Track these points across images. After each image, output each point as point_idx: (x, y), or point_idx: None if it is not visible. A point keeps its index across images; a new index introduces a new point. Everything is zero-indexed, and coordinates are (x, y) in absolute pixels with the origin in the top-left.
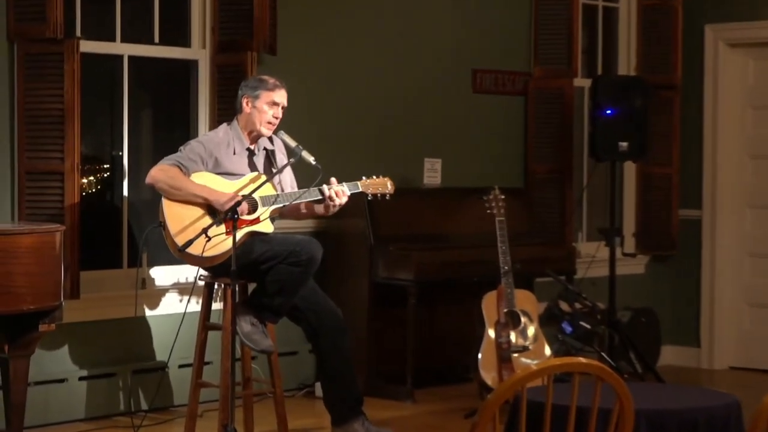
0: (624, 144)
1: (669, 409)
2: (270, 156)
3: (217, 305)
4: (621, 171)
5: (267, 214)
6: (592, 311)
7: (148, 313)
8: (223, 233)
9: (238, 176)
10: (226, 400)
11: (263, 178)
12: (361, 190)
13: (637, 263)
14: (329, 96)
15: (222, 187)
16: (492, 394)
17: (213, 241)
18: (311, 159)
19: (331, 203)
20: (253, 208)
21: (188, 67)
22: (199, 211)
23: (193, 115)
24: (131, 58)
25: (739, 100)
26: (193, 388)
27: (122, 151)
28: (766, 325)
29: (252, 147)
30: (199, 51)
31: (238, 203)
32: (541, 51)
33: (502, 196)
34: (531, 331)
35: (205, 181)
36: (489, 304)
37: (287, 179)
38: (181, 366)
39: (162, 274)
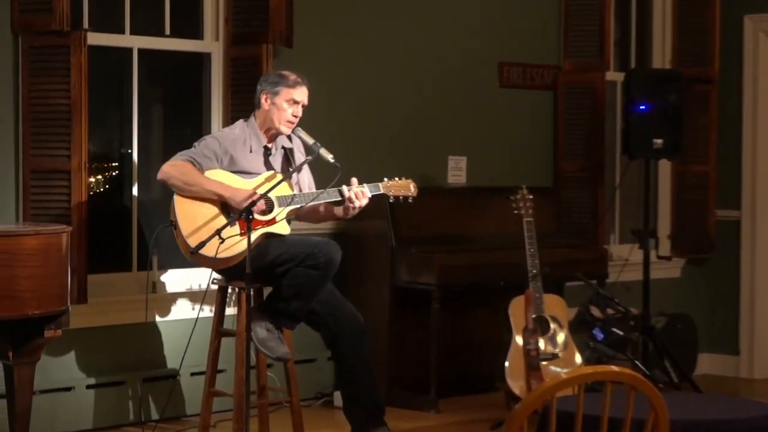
0: (658, 141)
1: (706, 420)
2: (288, 155)
3: (231, 310)
4: (655, 169)
5: (283, 214)
6: (625, 317)
7: (158, 318)
8: (237, 234)
9: (253, 175)
10: (240, 409)
11: (279, 177)
12: (382, 191)
13: (673, 266)
14: (348, 91)
15: (237, 185)
16: (520, 404)
17: (227, 242)
18: (330, 157)
19: (351, 205)
20: (269, 208)
21: (200, 60)
22: (212, 210)
23: (205, 111)
24: (141, 51)
25: None
26: (205, 398)
27: (131, 149)
28: None
29: (269, 145)
30: (211, 43)
31: (256, 201)
32: (571, 43)
33: (530, 196)
34: (561, 337)
35: (220, 179)
36: (516, 310)
37: (305, 179)
38: (193, 374)
39: (173, 278)
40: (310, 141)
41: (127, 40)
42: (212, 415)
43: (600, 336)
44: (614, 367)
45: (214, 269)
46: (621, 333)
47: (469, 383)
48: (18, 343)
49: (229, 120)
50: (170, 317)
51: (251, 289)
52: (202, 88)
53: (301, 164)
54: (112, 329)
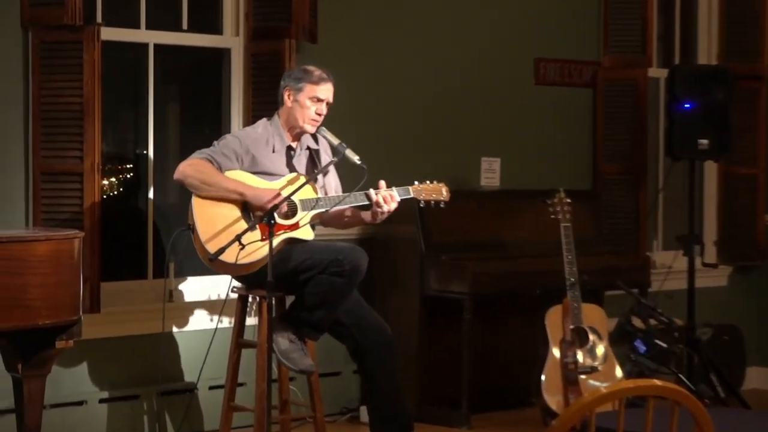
0: (704, 141)
1: None
2: (314, 156)
3: (251, 320)
4: (701, 171)
5: (307, 219)
6: (669, 328)
7: (175, 328)
8: (258, 239)
9: (276, 177)
10: (261, 425)
11: (303, 179)
12: (412, 195)
13: (719, 275)
14: (376, 88)
15: (260, 186)
16: (557, 420)
17: (248, 248)
18: (356, 158)
19: (379, 210)
20: (291, 212)
21: (220, 56)
22: (232, 212)
23: (225, 110)
24: (157, 47)
25: None
26: (225, 412)
27: (147, 150)
28: None
29: (293, 145)
30: (231, 38)
31: (280, 203)
32: (612, 37)
33: (568, 200)
34: (600, 350)
35: (241, 180)
36: (553, 320)
37: (331, 182)
38: (211, 387)
39: (191, 286)
40: (336, 141)
41: (142, 35)
42: (232, 431)
43: (642, 348)
44: (657, 381)
45: (233, 276)
46: (664, 345)
47: (503, 398)
48: (28, 355)
49: (249, 119)
50: (188, 327)
51: (273, 298)
52: (222, 86)
53: (326, 166)
54: (126, 340)
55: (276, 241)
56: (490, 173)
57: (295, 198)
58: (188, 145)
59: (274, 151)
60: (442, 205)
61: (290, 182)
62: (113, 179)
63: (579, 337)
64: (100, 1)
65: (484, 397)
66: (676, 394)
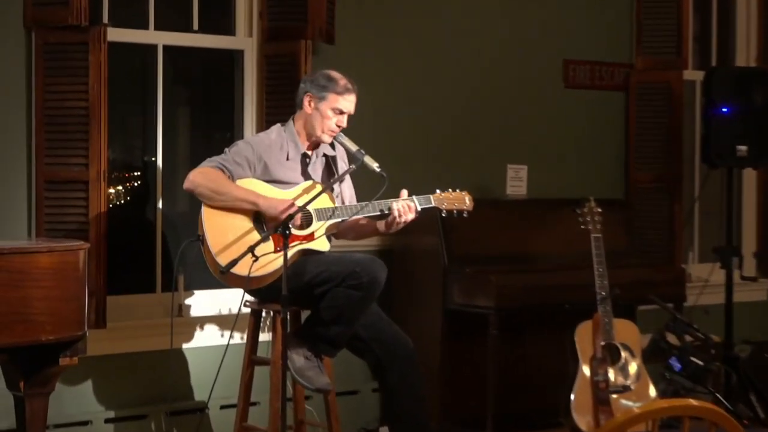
0: (742, 148)
1: None
2: (330, 163)
3: (264, 336)
4: (739, 179)
5: (323, 230)
6: (705, 345)
7: (185, 345)
8: (271, 251)
9: (290, 185)
10: None
11: (319, 187)
12: (434, 204)
13: (759, 288)
14: (396, 92)
15: (273, 195)
16: None
17: (261, 260)
18: (375, 165)
19: (397, 220)
20: (306, 222)
21: (232, 58)
22: (244, 223)
23: (237, 114)
24: (166, 49)
25: None
26: None
27: (156, 157)
28: None
29: (309, 152)
30: (244, 39)
31: (295, 213)
32: (645, 38)
33: (599, 209)
34: (633, 367)
35: (253, 188)
36: (583, 336)
37: (346, 191)
38: (223, 407)
39: (201, 300)
40: (354, 148)
41: (151, 36)
42: None
43: (677, 366)
44: (693, 401)
45: (246, 290)
46: (700, 363)
47: (530, 418)
48: (30, 372)
49: (263, 124)
50: (198, 344)
51: (287, 313)
52: (234, 90)
53: (344, 173)
54: (133, 357)
55: (290, 252)
56: (517, 181)
57: (310, 207)
58: (198, 152)
59: (288, 158)
60: (465, 215)
61: (305, 191)
62: (120, 188)
63: (610, 355)
64: (107, 1)
65: (510, 417)
66: (713, 415)
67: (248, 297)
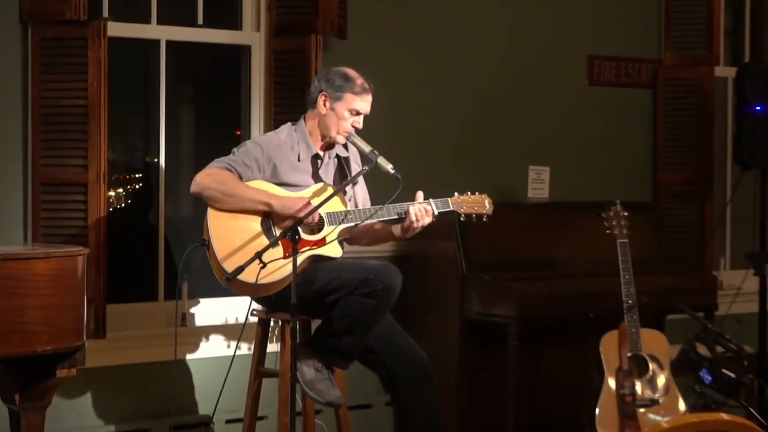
0: None
1: None
2: (343, 165)
3: (273, 346)
4: None
5: (335, 234)
6: (738, 356)
7: (189, 356)
8: (280, 257)
9: (300, 188)
10: None
11: (331, 190)
12: (452, 208)
13: None
14: (412, 89)
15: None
16: None
17: (269, 266)
18: (389, 167)
19: (413, 225)
20: (318, 226)
21: (239, 53)
22: (252, 226)
23: (244, 113)
24: (170, 44)
25: None
26: None
27: (158, 157)
28: None
29: (321, 153)
30: (252, 34)
31: (310, 212)
32: (675, 33)
33: (625, 213)
34: (661, 380)
35: (264, 189)
36: (609, 347)
37: (359, 194)
38: (228, 421)
39: (206, 308)
40: (367, 149)
41: (153, 30)
42: None
43: (708, 379)
44: (724, 415)
45: (253, 298)
46: (732, 375)
47: None
48: (26, 385)
49: (271, 123)
50: (202, 354)
51: (297, 322)
52: (241, 86)
53: (357, 175)
54: (134, 368)
55: (300, 258)
56: (539, 183)
57: (322, 211)
58: (203, 152)
59: (299, 159)
60: (484, 219)
61: (316, 194)
62: (120, 190)
63: (637, 366)
64: None
65: (532, 431)
66: (745, 430)
67: (256, 305)
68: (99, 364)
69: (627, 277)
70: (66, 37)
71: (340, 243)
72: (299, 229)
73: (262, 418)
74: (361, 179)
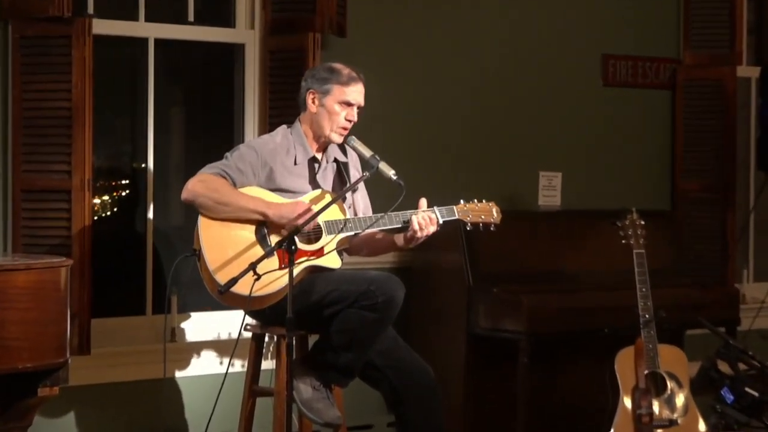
0: None
1: None
2: (342, 170)
3: (268, 363)
4: None
5: (333, 244)
6: (762, 374)
7: (178, 373)
8: (276, 268)
9: (297, 194)
10: None
11: (329, 197)
12: (457, 217)
13: None
14: (415, 90)
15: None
16: None
17: (264, 278)
18: (391, 173)
19: (416, 233)
20: (315, 236)
21: (232, 52)
22: (246, 235)
23: (237, 115)
24: (158, 42)
25: None
26: None
27: (146, 163)
28: None
29: (318, 156)
30: (245, 32)
31: (312, 218)
32: (695, 30)
33: (642, 222)
34: (680, 399)
35: (259, 196)
36: (624, 364)
37: (360, 201)
38: None
39: (197, 323)
40: (368, 153)
41: (141, 28)
42: None
43: (729, 398)
44: None
45: (247, 312)
46: (756, 394)
47: None
48: (5, 404)
49: (266, 126)
50: (193, 372)
51: (293, 337)
52: (234, 87)
53: (357, 181)
54: (121, 387)
55: (297, 269)
56: (550, 190)
57: (319, 219)
58: (194, 157)
59: (295, 164)
60: (492, 228)
61: (314, 201)
62: (106, 197)
63: (655, 385)
64: None
65: None
66: None
67: (249, 319)
68: (83, 382)
69: (644, 289)
70: (49, 34)
71: (339, 253)
72: (296, 238)
73: None
74: (361, 185)
